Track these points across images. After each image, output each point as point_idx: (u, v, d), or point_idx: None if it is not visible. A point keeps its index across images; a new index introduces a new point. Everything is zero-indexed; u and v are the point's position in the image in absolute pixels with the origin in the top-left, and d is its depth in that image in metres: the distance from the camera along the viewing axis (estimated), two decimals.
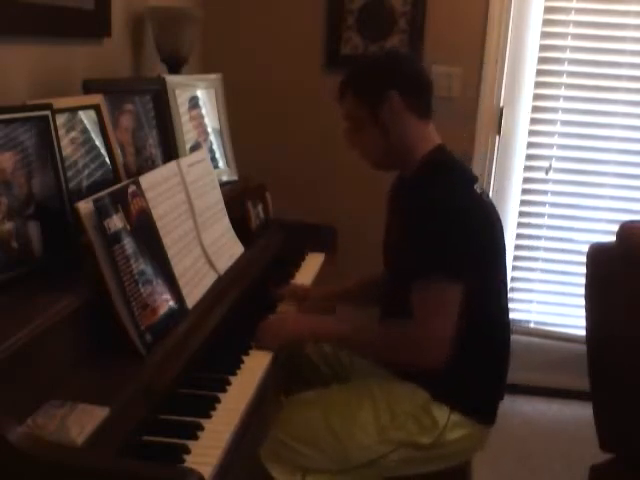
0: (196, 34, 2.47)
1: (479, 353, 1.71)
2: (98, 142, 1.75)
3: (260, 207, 2.37)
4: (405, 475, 1.78)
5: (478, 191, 1.73)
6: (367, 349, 1.77)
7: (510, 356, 1.82)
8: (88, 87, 1.79)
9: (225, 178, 2.35)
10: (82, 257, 1.43)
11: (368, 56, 1.81)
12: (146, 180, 1.59)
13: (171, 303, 1.54)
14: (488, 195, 1.80)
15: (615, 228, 1.91)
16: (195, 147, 2.22)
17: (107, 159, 1.77)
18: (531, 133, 3.00)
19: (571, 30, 2.91)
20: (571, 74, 2.95)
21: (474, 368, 1.71)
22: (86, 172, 1.68)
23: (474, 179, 1.77)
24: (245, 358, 1.64)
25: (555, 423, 2.94)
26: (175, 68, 2.34)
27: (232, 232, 2.06)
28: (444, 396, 1.69)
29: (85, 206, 1.35)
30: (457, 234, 1.61)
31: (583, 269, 1.98)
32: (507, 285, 1.84)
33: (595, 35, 2.90)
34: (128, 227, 1.44)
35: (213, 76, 2.44)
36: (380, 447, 1.69)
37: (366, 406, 1.70)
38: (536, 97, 2.97)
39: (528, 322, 3.15)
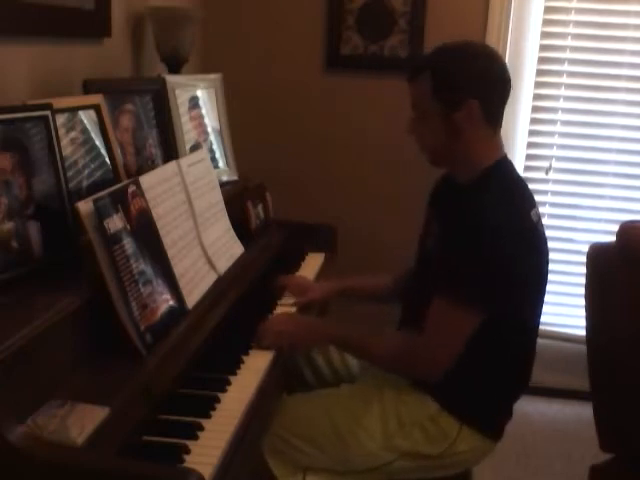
0: (196, 34, 2.47)
1: (497, 373, 1.68)
2: (98, 142, 1.75)
3: (260, 207, 2.37)
4: (407, 479, 1.77)
5: (534, 218, 1.64)
6: (367, 354, 1.75)
7: (530, 379, 1.77)
8: (88, 87, 1.79)
9: (225, 178, 2.35)
10: (82, 257, 1.43)
11: (465, 48, 1.65)
12: (146, 180, 1.59)
13: (171, 303, 1.54)
14: (542, 225, 1.70)
15: (615, 228, 1.91)
16: (195, 147, 2.22)
17: (107, 159, 1.77)
18: (531, 133, 3.00)
19: (571, 30, 2.91)
20: (571, 74, 2.95)
21: (490, 386, 1.69)
22: (86, 172, 1.68)
23: (532, 203, 1.68)
24: (245, 358, 1.64)
25: (555, 423, 2.94)
26: (175, 68, 2.34)
27: (232, 232, 2.06)
28: (454, 409, 1.67)
29: (85, 206, 1.35)
30: (497, 263, 1.54)
31: (583, 269, 1.98)
32: (540, 314, 1.77)
33: (595, 35, 2.90)
34: (128, 227, 1.43)
35: (213, 76, 2.44)
36: (384, 454, 1.67)
37: (374, 411, 1.69)
38: (536, 97, 2.96)
39: None
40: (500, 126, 1.69)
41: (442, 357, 1.60)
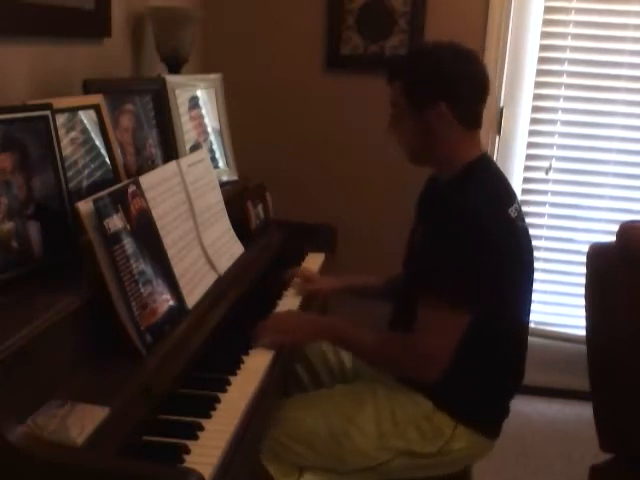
0: (196, 34, 2.47)
1: (489, 371, 1.69)
2: (98, 142, 1.75)
3: (260, 207, 2.37)
4: (404, 479, 1.77)
5: (513, 214, 1.65)
6: (365, 353, 1.75)
7: (524, 376, 1.78)
8: (88, 87, 1.79)
9: (225, 178, 2.35)
10: (82, 257, 1.43)
11: (433, 51, 1.68)
12: (146, 180, 1.59)
13: (171, 303, 1.54)
14: (523, 219, 1.72)
15: (615, 228, 1.91)
16: (195, 147, 2.22)
17: (107, 159, 1.77)
18: (531, 133, 3.00)
19: (571, 30, 2.91)
20: (571, 74, 2.95)
21: (483, 384, 1.69)
22: (86, 172, 1.68)
23: (512, 199, 1.69)
24: (245, 358, 1.64)
25: (555, 423, 2.94)
26: (175, 68, 2.34)
27: (232, 232, 2.06)
28: (448, 408, 1.67)
29: (85, 206, 1.35)
30: (479, 258, 1.55)
31: (583, 269, 1.98)
32: (530, 309, 1.78)
33: (595, 35, 2.90)
34: (128, 227, 1.43)
35: (213, 76, 2.44)
36: (378, 454, 1.67)
37: (368, 411, 1.69)
38: (536, 97, 2.97)
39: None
40: (479, 126, 1.71)
41: (435, 357, 1.60)
